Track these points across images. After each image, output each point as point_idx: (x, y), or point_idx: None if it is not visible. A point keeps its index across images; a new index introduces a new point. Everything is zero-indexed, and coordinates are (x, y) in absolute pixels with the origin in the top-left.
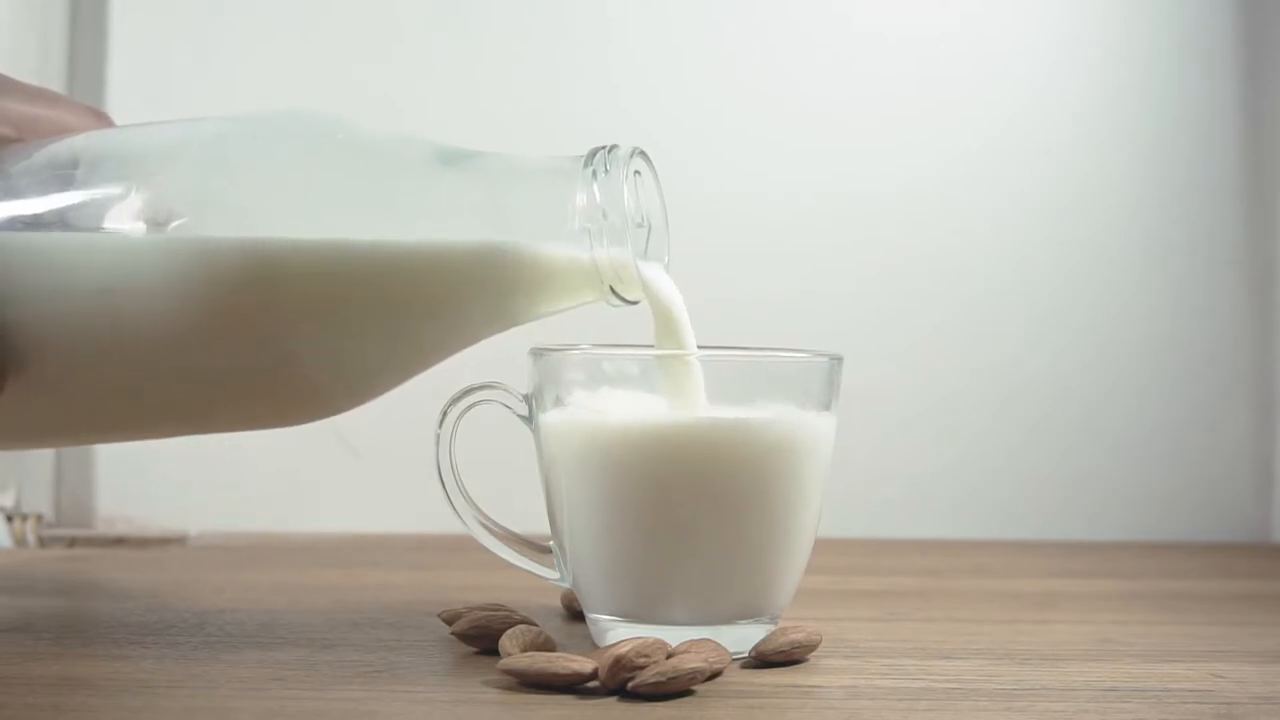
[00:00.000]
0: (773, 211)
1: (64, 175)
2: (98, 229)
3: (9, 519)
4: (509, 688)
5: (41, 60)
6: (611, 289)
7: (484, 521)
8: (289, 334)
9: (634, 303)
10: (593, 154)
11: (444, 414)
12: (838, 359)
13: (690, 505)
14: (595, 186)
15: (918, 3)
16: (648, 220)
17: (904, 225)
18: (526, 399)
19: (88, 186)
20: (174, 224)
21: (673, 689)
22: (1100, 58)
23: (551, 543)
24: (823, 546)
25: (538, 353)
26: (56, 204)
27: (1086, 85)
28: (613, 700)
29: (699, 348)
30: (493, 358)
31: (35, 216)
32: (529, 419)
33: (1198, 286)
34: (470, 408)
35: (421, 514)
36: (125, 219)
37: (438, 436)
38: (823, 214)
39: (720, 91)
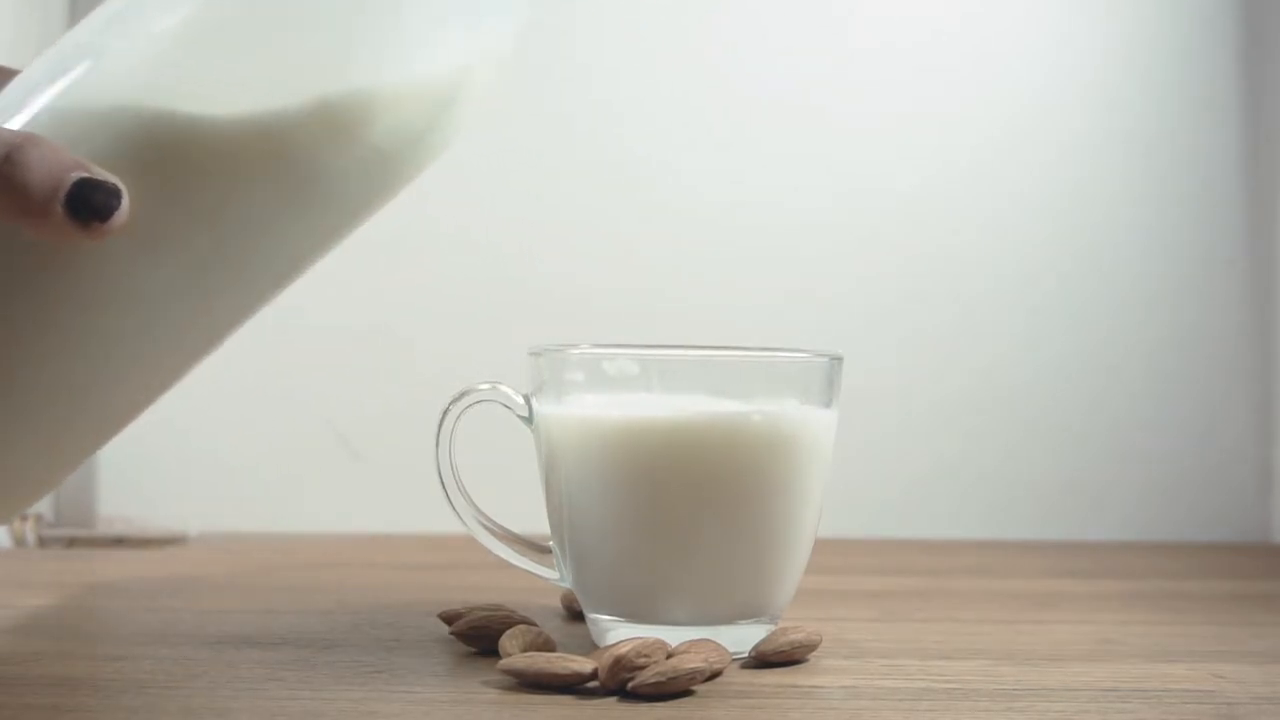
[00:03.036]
0: (772, 211)
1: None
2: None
3: None
4: (509, 688)
5: None
6: None
7: (484, 521)
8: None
9: None
10: None
11: (444, 414)
12: (838, 359)
13: (690, 502)
14: None
15: (918, 3)
16: None
17: (904, 225)
18: (526, 399)
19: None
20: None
21: (673, 689)
22: (1100, 58)
23: (551, 543)
24: (823, 546)
25: (538, 352)
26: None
27: (1086, 85)
28: (613, 700)
29: (696, 349)
30: (493, 358)
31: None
32: (529, 419)
33: (1197, 286)
34: (470, 407)
35: (421, 514)
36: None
37: (438, 436)
38: (822, 214)
39: (720, 92)
